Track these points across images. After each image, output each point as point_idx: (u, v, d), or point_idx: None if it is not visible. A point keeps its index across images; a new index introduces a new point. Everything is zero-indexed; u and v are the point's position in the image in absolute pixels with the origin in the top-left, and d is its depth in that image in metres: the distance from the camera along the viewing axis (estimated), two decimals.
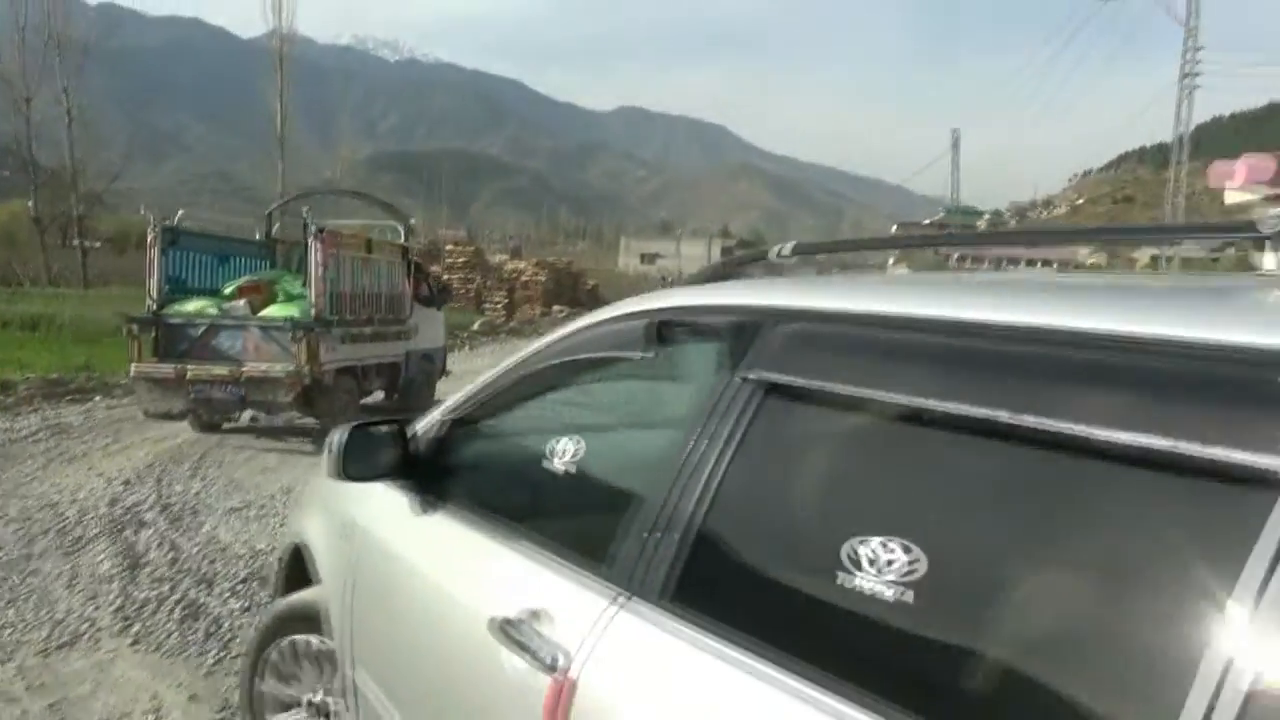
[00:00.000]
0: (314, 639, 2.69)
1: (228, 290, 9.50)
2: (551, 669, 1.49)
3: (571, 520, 1.87)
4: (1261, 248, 1.14)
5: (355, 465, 2.21)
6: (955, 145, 53.87)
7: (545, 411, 2.17)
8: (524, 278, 30.65)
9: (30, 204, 32.42)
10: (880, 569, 1.14)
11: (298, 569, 2.87)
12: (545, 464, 1.89)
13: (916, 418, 1.20)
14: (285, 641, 2.81)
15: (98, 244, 36.08)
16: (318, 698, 2.73)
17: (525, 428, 2.20)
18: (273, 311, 9.04)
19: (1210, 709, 0.81)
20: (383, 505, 2.33)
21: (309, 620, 2.67)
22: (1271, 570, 0.83)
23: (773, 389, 1.43)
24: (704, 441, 1.47)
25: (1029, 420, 1.05)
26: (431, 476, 2.24)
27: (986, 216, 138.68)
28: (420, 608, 2.08)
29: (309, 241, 8.90)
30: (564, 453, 1.87)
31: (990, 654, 1.05)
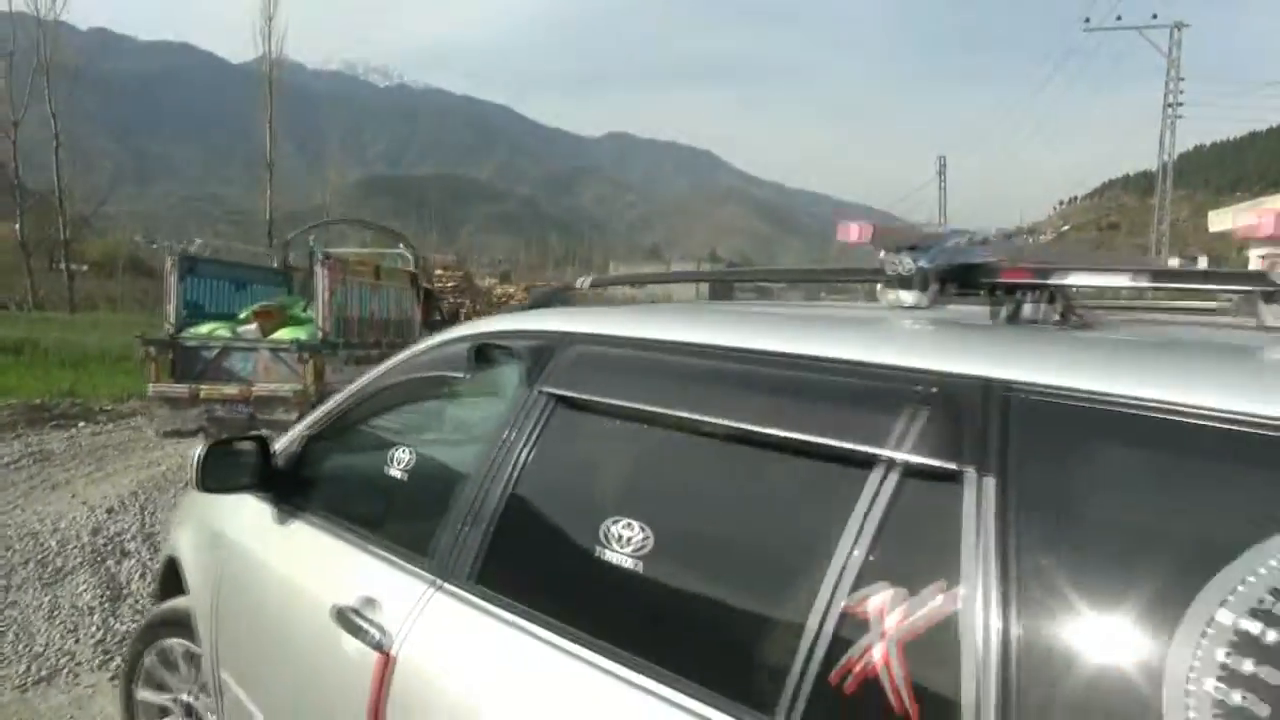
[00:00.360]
0: (185, 643, 2.87)
1: (242, 315, 10.13)
2: (378, 647, 1.75)
3: (403, 520, 2.09)
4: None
5: (213, 478, 2.44)
6: (941, 172, 54.30)
7: (387, 426, 2.40)
8: (513, 301, 30.68)
9: (17, 227, 32.30)
10: (623, 545, 1.45)
11: (173, 580, 3.00)
12: (384, 472, 2.15)
13: (652, 419, 1.52)
14: (159, 646, 3.00)
15: (84, 268, 35.95)
16: (187, 698, 2.94)
17: (370, 441, 2.39)
18: (282, 335, 9.63)
19: (824, 618, 1.16)
20: (247, 517, 2.53)
21: (181, 626, 2.85)
22: (867, 522, 1.17)
23: (561, 400, 1.71)
24: (506, 447, 1.75)
25: (727, 422, 1.38)
26: (290, 488, 2.44)
27: None
28: (275, 604, 2.27)
29: (315, 268, 9.46)
30: (399, 461, 2.14)
31: (698, 608, 1.38)
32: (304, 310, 10.43)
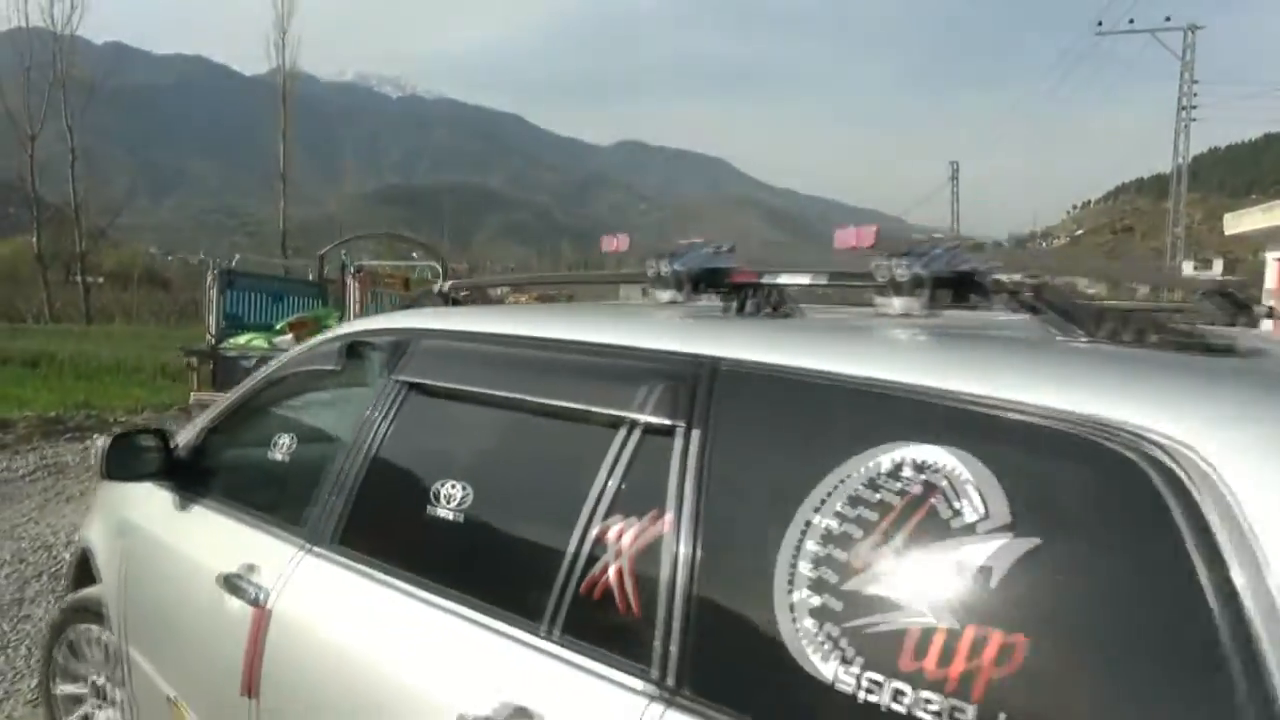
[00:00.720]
0: (93, 628, 3.04)
1: (279, 326, 10.44)
2: (254, 602, 2.05)
3: (283, 496, 2.33)
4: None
5: (116, 468, 2.71)
6: (954, 177, 54.14)
7: (275, 416, 2.65)
8: None
9: (34, 240, 32.57)
10: (449, 502, 1.77)
11: (85, 572, 3.17)
12: (269, 456, 2.45)
13: (473, 397, 1.88)
14: (67, 638, 3.16)
15: (100, 279, 36.22)
16: (97, 679, 3.08)
17: (259, 430, 2.63)
18: None
19: (580, 543, 1.50)
20: (152, 505, 2.75)
21: (90, 613, 3.03)
22: (616, 467, 1.50)
23: (411, 386, 2.02)
24: (367, 429, 2.05)
25: (524, 395, 1.73)
26: (191, 476, 2.69)
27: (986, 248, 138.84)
28: (174, 580, 2.53)
29: (346, 280, 9.97)
30: (281, 446, 2.45)
31: (497, 545, 1.73)
32: (338, 321, 10.69)
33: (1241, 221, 25.26)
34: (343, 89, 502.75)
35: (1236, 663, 0.86)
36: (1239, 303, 1.83)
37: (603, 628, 1.42)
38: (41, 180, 33.00)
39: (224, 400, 2.84)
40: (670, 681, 1.29)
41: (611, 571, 1.42)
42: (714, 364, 1.45)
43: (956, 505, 1.09)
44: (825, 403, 1.30)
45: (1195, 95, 28.87)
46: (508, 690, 1.45)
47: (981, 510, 1.07)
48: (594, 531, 1.47)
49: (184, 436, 2.85)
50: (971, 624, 1.03)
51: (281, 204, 33.05)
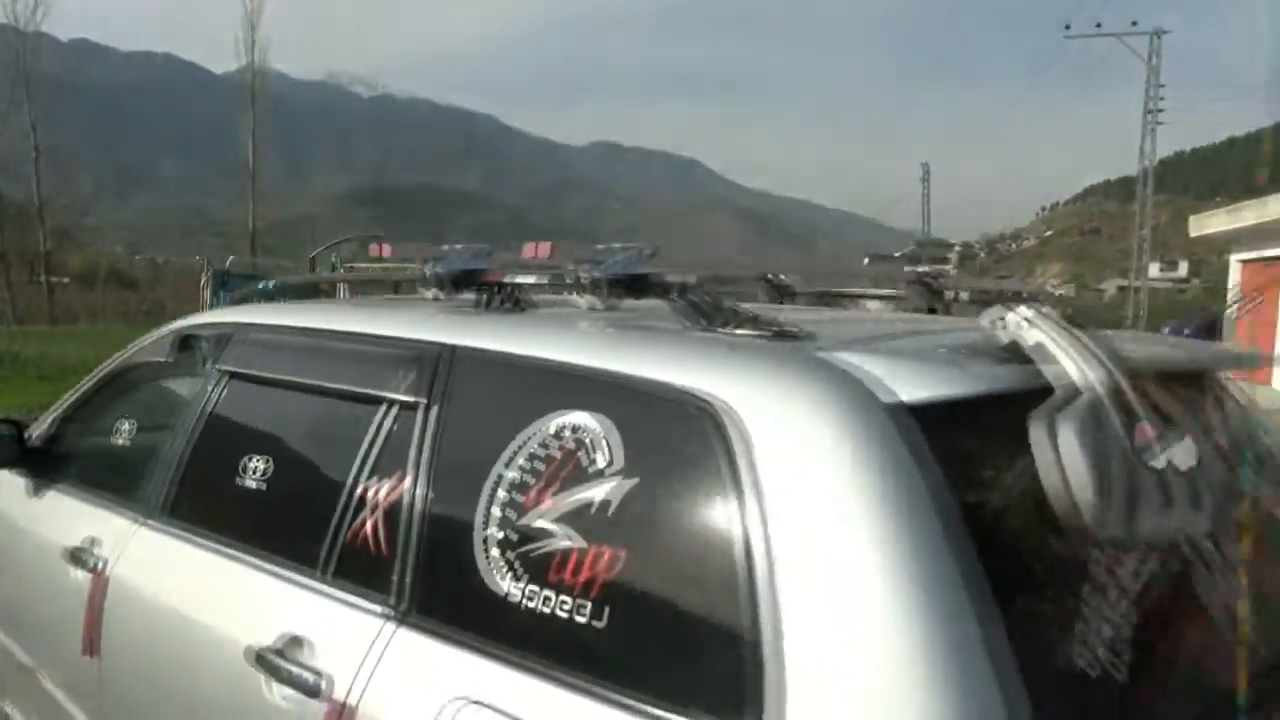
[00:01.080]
0: None
1: None
2: (94, 571, 2.26)
3: (124, 475, 2.49)
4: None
5: None
6: (926, 179, 54.60)
7: (118, 403, 2.82)
8: None
9: None
10: (255, 474, 2.03)
11: None
12: (112, 441, 2.67)
13: (274, 381, 2.16)
14: None
15: (65, 279, 35.71)
16: None
17: (105, 417, 2.80)
18: None
19: (348, 500, 1.77)
20: (5, 491, 2.89)
21: None
22: (376, 438, 1.77)
23: (231, 374, 2.26)
24: (192, 412, 2.29)
25: (313, 380, 2.02)
26: (44, 463, 2.83)
27: (957, 249, 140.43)
28: (27, 558, 2.70)
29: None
30: (123, 431, 2.67)
31: (288, 506, 1.98)
32: None
33: (1207, 224, 25.60)
34: (314, 87, 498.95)
35: (748, 521, 1.23)
36: (935, 291, 2.26)
37: (359, 568, 1.71)
38: (4, 178, 32.43)
39: (74, 390, 3.03)
40: (403, 606, 1.61)
41: (368, 523, 1.72)
42: (452, 350, 1.74)
43: (594, 456, 1.41)
44: (519, 379, 1.64)
45: (1162, 99, 29.26)
46: (287, 623, 1.75)
47: (609, 458, 1.39)
48: (358, 491, 1.76)
49: (37, 427, 3.02)
50: (594, 543, 1.36)
51: (251, 203, 32.70)
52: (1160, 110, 29.20)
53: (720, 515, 1.26)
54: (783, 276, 2.41)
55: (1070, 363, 1.23)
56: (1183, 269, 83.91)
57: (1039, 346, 1.28)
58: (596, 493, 1.38)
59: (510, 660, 1.41)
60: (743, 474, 1.25)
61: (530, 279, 1.93)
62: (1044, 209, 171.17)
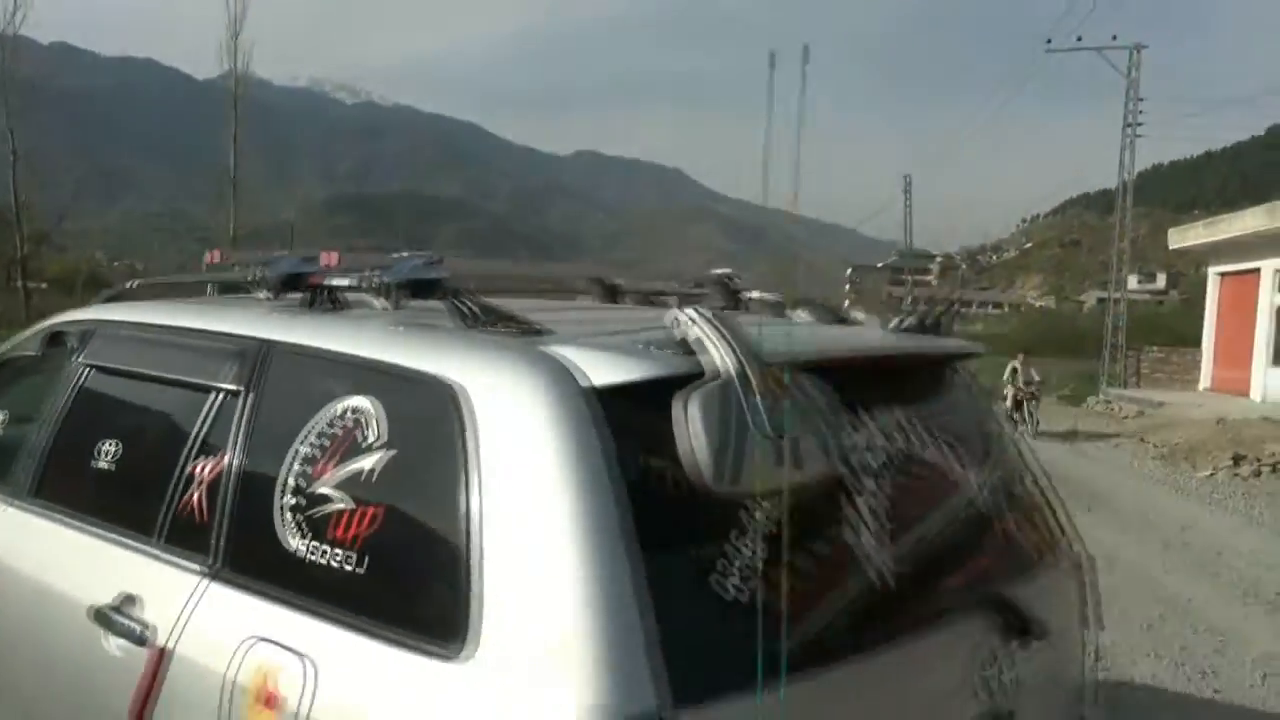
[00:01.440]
0: None
1: None
2: None
3: (4, 458, 2.67)
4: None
5: None
6: (907, 190, 54.90)
7: None
8: None
9: None
10: (106, 456, 2.26)
11: None
12: None
13: (126, 374, 2.41)
14: None
15: (44, 285, 35.37)
16: None
17: None
18: None
19: (180, 474, 2.03)
20: None
21: None
22: (206, 421, 2.03)
23: (92, 367, 2.47)
24: (56, 402, 2.49)
25: (159, 371, 2.29)
26: None
27: (939, 260, 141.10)
28: None
29: None
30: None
31: (131, 483, 2.20)
32: None
33: (1185, 236, 25.79)
34: (297, 94, 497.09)
35: (470, 481, 1.51)
36: (731, 290, 2.55)
37: (185, 533, 1.96)
38: None
39: None
40: (217, 564, 1.87)
41: (194, 495, 1.97)
42: (269, 345, 2.00)
43: (366, 433, 1.68)
44: (317, 370, 1.88)
45: (1141, 113, 29.47)
46: (123, 584, 1.98)
47: (376, 434, 1.67)
48: (188, 468, 2.01)
49: None
50: (360, 505, 1.64)
51: (232, 209, 32.50)
52: (1139, 124, 29.46)
53: (451, 477, 1.53)
54: (619, 281, 2.79)
55: (715, 353, 1.48)
56: (1161, 281, 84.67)
57: (698, 340, 1.52)
58: (365, 463, 1.66)
59: (293, 604, 1.68)
60: (469, 443, 1.53)
61: (344, 282, 2.13)
62: (1024, 221, 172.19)
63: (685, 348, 1.54)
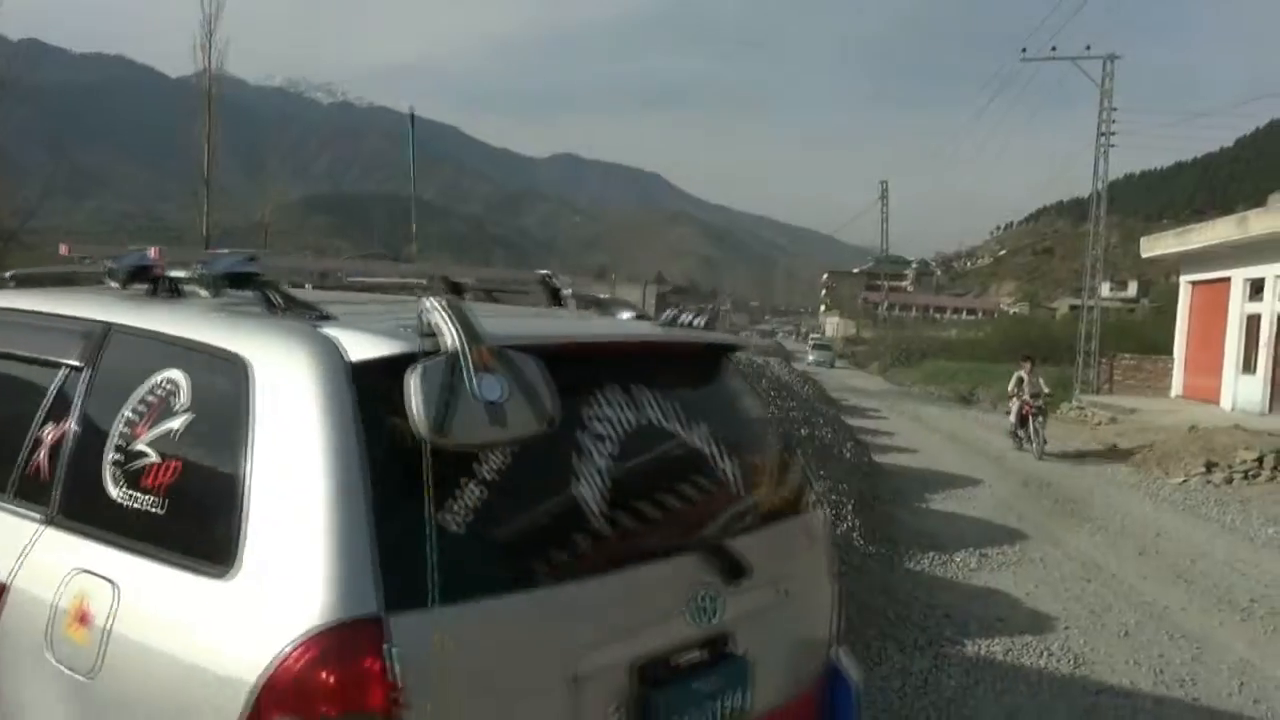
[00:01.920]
0: None
1: None
2: None
3: None
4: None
5: None
6: (884, 196, 55.22)
7: None
8: None
9: None
10: None
11: None
12: None
13: (4, 355, 2.65)
14: None
15: (11, 283, 34.79)
16: None
17: None
18: None
19: (34, 439, 2.34)
20: None
21: None
22: (58, 393, 2.34)
23: None
24: None
25: (28, 353, 2.55)
26: None
27: (914, 265, 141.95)
28: None
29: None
30: None
31: (12, 457, 2.38)
32: None
33: (1156, 245, 26.08)
34: (272, 93, 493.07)
35: (248, 435, 1.84)
36: (553, 289, 3.00)
37: (31, 489, 2.27)
38: None
39: None
40: (54, 513, 2.17)
41: (41, 455, 2.28)
42: (109, 327, 2.31)
43: (176, 399, 2.02)
44: (143, 347, 2.19)
45: (1114, 122, 29.70)
46: None
47: (182, 400, 2.01)
48: (38, 434, 2.31)
49: None
50: (166, 459, 1.97)
51: (205, 208, 32.13)
52: (1113, 133, 29.72)
53: (237, 432, 1.86)
54: (466, 279, 3.17)
55: (446, 335, 1.78)
56: (1132, 289, 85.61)
57: (436, 324, 1.81)
58: (173, 424, 2.00)
59: (110, 541, 2.00)
60: (252, 405, 1.87)
61: (182, 274, 2.40)
62: (998, 228, 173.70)
63: (429, 330, 1.83)
